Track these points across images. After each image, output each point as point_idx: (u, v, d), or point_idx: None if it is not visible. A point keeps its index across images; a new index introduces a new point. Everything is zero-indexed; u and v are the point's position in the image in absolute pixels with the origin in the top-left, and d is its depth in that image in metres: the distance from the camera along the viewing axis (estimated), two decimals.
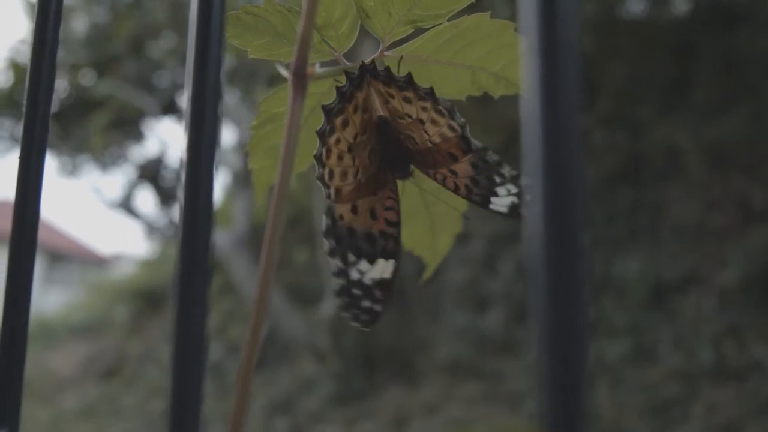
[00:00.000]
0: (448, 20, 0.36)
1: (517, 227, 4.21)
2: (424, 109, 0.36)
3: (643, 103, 4.36)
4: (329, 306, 4.42)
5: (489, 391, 3.66)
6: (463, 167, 0.38)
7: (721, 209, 3.83)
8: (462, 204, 0.41)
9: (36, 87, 0.30)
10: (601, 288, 3.73)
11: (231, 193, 5.97)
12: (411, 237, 0.42)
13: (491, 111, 4.19)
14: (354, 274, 0.37)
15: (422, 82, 0.38)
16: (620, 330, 3.56)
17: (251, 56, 0.36)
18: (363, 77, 0.35)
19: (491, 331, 4.03)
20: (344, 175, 0.36)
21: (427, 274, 0.43)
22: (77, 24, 6.15)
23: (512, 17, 0.35)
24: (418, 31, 0.36)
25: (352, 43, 0.37)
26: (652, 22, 4.68)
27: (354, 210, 0.37)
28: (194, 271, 0.20)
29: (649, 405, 3.16)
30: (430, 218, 0.41)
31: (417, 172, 0.40)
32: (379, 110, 0.36)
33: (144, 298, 6.35)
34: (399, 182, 0.40)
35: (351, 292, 0.37)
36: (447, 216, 0.41)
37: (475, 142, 0.38)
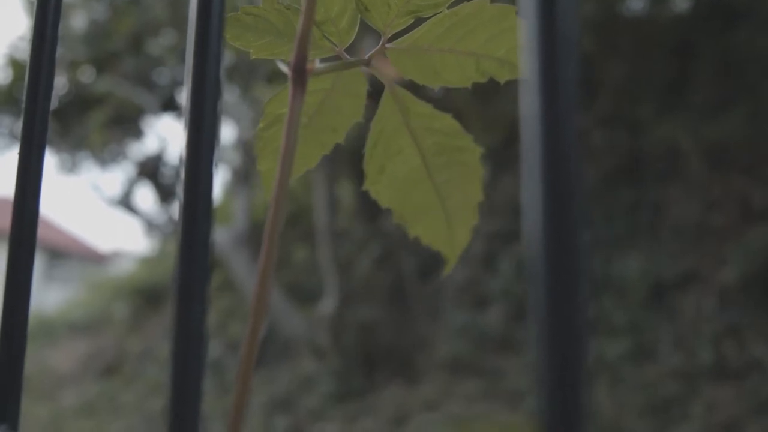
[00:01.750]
0: (448, 8, 0.35)
1: (516, 225, 4.21)
2: None
3: (642, 103, 4.36)
4: (329, 304, 4.43)
5: (489, 389, 3.67)
6: None
7: (721, 209, 3.83)
8: (477, 195, 0.40)
9: (35, 83, 0.30)
10: (600, 287, 3.73)
11: (230, 191, 5.97)
12: (428, 231, 0.41)
13: (492, 109, 4.19)
14: None
15: (426, 72, 0.38)
16: (620, 329, 3.57)
17: (253, 57, 0.36)
18: None
19: (491, 329, 4.03)
20: None
21: (448, 269, 0.42)
22: (76, 21, 6.15)
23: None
24: (418, 21, 0.36)
25: (352, 38, 0.36)
26: (652, 20, 4.67)
27: None
28: (194, 268, 0.20)
29: (649, 404, 3.16)
30: (445, 211, 0.41)
31: (430, 164, 0.39)
32: None
33: (143, 295, 6.36)
34: (412, 176, 0.40)
35: None
36: (463, 208, 0.40)
37: None
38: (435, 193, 0.40)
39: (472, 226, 0.41)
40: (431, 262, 4.25)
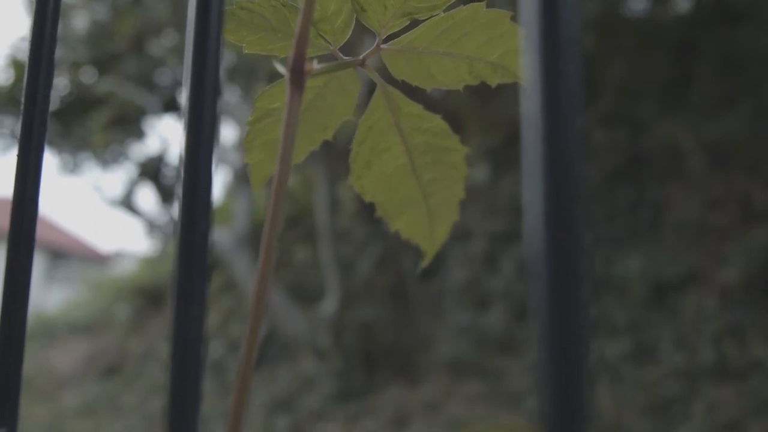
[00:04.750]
0: (444, 11, 0.36)
1: (517, 226, 4.21)
2: None
3: (644, 101, 4.35)
4: (330, 304, 4.43)
5: (490, 390, 3.66)
6: None
7: (722, 208, 3.83)
8: (460, 193, 0.41)
9: (34, 84, 0.30)
10: (601, 286, 3.72)
11: (232, 192, 5.97)
12: (409, 227, 0.42)
13: (493, 109, 4.19)
14: None
15: (420, 73, 0.38)
16: (621, 329, 3.56)
17: (246, 51, 0.37)
18: None
19: (492, 330, 4.03)
20: None
21: (426, 262, 0.43)
22: (78, 21, 6.15)
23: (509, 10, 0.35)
24: (414, 23, 0.36)
25: (347, 37, 0.37)
26: (654, 20, 4.67)
27: None
28: (193, 269, 0.20)
29: (650, 404, 3.16)
30: (428, 208, 0.42)
31: (416, 162, 0.40)
32: None
33: (145, 295, 6.36)
34: (398, 173, 0.41)
35: None
36: (445, 205, 0.42)
37: None
38: (419, 190, 0.41)
39: (452, 223, 0.42)
40: (432, 262, 4.25)
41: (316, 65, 0.34)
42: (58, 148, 6.57)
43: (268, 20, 0.36)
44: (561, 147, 0.15)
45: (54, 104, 6.21)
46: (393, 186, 0.41)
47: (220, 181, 6.56)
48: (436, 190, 0.41)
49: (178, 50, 5.66)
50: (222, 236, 4.83)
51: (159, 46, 6.01)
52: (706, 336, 3.38)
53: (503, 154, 4.52)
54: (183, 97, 0.22)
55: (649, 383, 3.26)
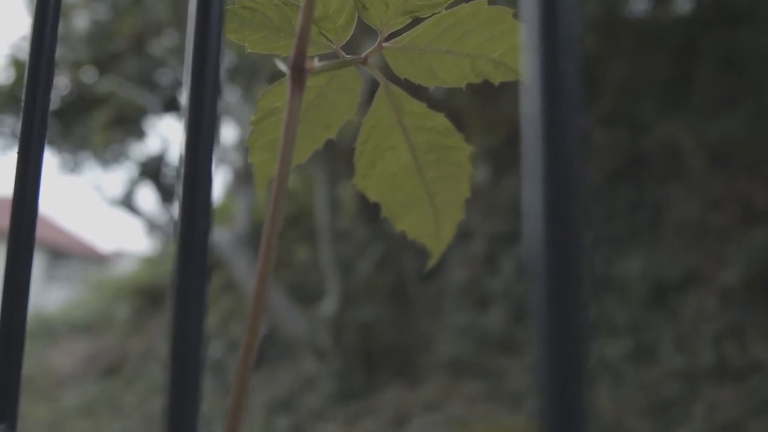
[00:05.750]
0: (446, 9, 0.36)
1: (517, 226, 4.21)
2: None
3: (644, 102, 4.35)
4: (330, 304, 4.43)
5: (490, 390, 3.66)
6: None
7: (723, 208, 3.82)
8: (465, 191, 0.41)
9: (34, 83, 0.30)
10: (601, 287, 3.72)
11: (232, 191, 5.97)
12: (414, 226, 0.42)
13: (494, 109, 4.18)
14: None
15: (422, 71, 0.38)
16: (621, 329, 3.56)
17: (249, 50, 0.37)
18: None
19: (492, 330, 4.03)
20: None
21: (432, 262, 0.43)
22: (79, 21, 6.15)
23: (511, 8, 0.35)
24: (416, 21, 0.36)
25: (349, 35, 0.37)
26: (654, 20, 4.67)
27: None
28: (192, 268, 0.20)
29: (650, 404, 3.16)
30: (433, 207, 0.41)
31: (420, 161, 0.40)
32: None
33: (145, 295, 6.36)
34: (402, 172, 0.40)
35: None
36: (450, 204, 0.41)
37: None
38: (423, 189, 0.41)
39: (458, 222, 0.42)
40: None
41: (317, 63, 0.34)
42: (59, 147, 6.57)
43: (270, 19, 0.36)
44: (560, 146, 0.15)
45: (55, 104, 6.21)
46: (397, 185, 0.41)
47: (220, 181, 6.56)
48: (440, 189, 0.41)
49: (179, 50, 5.66)
50: (222, 236, 4.83)
51: (159, 46, 6.01)
52: (706, 336, 3.38)
53: (504, 155, 4.52)
54: (183, 97, 0.22)
55: (649, 384, 3.26)
